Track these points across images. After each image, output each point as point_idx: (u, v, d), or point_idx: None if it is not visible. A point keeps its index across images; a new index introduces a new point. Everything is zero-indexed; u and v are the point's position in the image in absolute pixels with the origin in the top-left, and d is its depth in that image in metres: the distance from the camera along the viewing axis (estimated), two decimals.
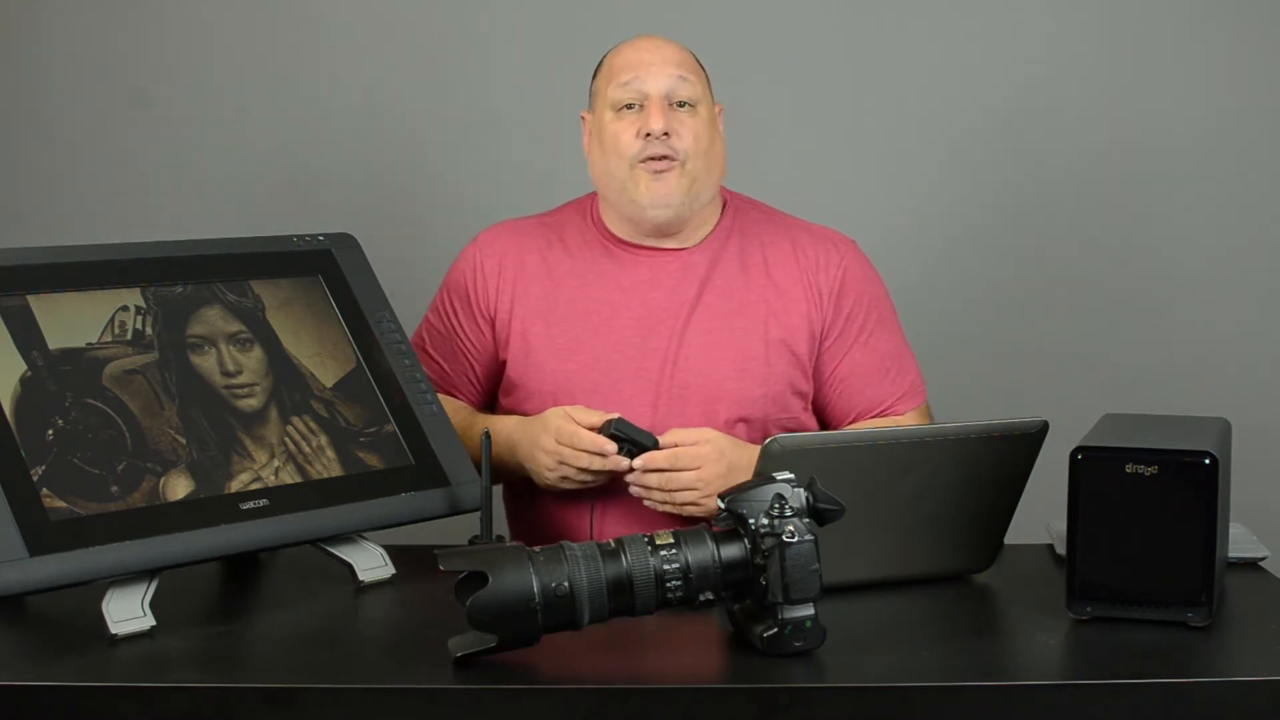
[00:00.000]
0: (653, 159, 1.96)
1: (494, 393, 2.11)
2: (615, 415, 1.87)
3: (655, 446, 1.87)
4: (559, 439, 1.89)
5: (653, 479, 1.87)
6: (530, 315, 2.04)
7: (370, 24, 2.91)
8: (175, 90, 2.91)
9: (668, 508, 1.89)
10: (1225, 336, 2.88)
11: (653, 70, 1.97)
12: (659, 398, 1.97)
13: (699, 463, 1.86)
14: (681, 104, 1.97)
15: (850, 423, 2.05)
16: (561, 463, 1.89)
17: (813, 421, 2.07)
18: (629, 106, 1.98)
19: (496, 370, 2.08)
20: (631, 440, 1.86)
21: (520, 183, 2.82)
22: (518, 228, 2.11)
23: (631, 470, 1.87)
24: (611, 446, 1.86)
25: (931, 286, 2.85)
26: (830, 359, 2.03)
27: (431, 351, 2.10)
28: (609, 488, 1.94)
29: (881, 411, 2.04)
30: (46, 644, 1.58)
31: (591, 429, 1.87)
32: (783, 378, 2.00)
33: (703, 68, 2.05)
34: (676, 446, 1.88)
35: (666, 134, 1.95)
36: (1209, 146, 2.88)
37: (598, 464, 1.87)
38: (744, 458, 1.87)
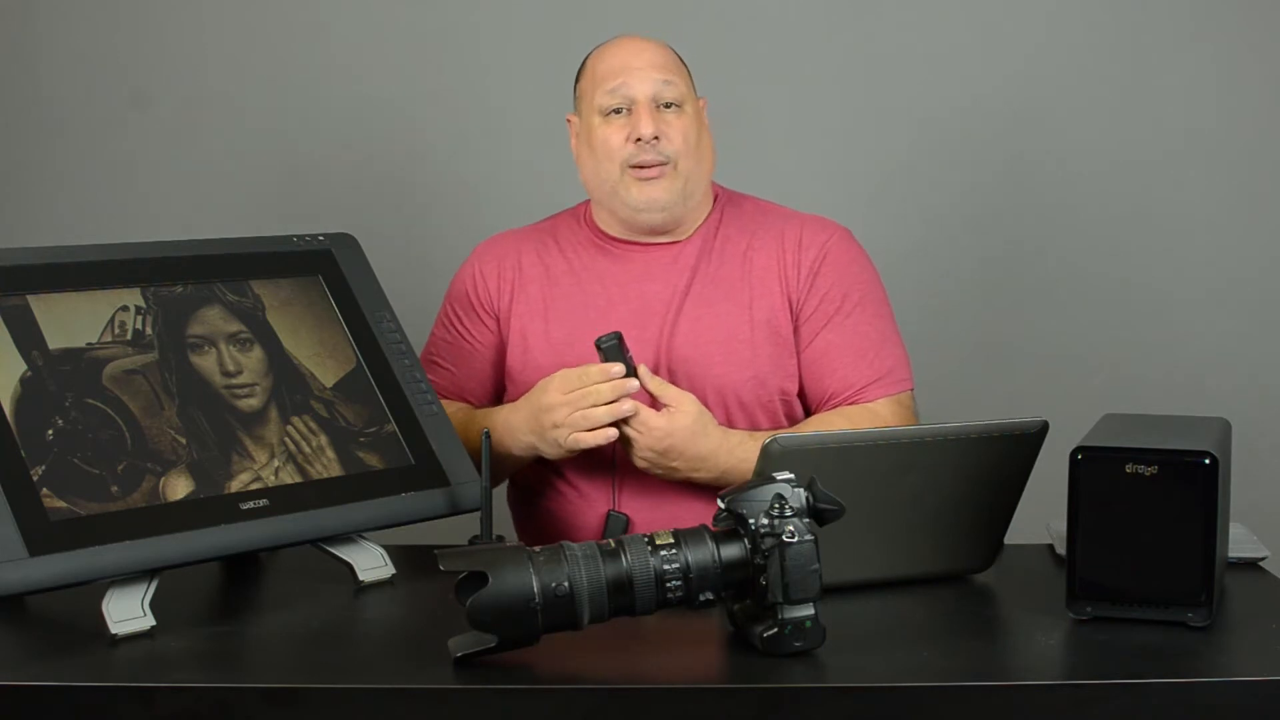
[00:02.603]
0: (642, 166, 1.99)
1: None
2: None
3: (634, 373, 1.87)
4: (564, 387, 1.87)
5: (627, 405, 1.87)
6: (529, 314, 2.06)
7: (370, 24, 2.91)
8: (175, 90, 2.91)
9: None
10: (1225, 336, 2.88)
11: (638, 74, 1.99)
12: None
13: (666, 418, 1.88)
14: (668, 105, 2.00)
15: (825, 405, 2.04)
16: (573, 412, 1.86)
17: (800, 410, 2.07)
18: (616, 111, 2.00)
19: (504, 368, 2.09)
20: (624, 360, 1.86)
21: (521, 182, 2.83)
22: (512, 235, 2.15)
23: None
24: (619, 368, 1.84)
25: (930, 285, 2.85)
26: (803, 337, 2.03)
27: (440, 360, 2.11)
28: (626, 473, 1.96)
29: (852, 396, 2.01)
30: (46, 644, 1.58)
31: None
32: (769, 359, 2.01)
33: (684, 64, 2.07)
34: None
35: (657, 137, 1.98)
36: (1210, 145, 2.88)
37: (607, 391, 1.85)
38: (700, 445, 1.89)
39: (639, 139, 1.97)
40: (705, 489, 1.93)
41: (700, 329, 2.01)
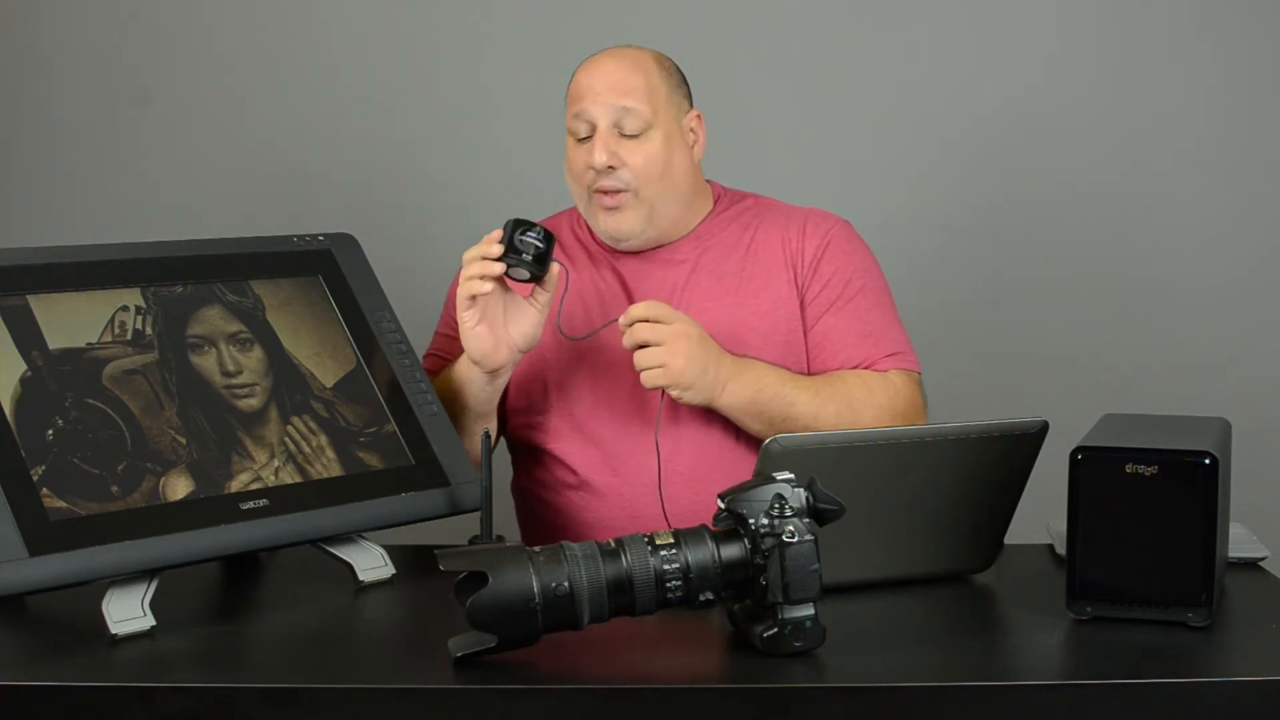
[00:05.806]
0: (603, 192, 1.98)
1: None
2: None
3: (543, 254, 1.84)
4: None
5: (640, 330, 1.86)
6: None
7: (371, 25, 2.91)
8: (175, 90, 2.91)
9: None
10: (1225, 337, 2.88)
11: (597, 100, 1.97)
12: None
13: (673, 319, 1.86)
14: (631, 133, 1.98)
15: None
16: (467, 279, 1.85)
17: None
18: (584, 135, 2.00)
19: None
20: (513, 242, 1.84)
21: (522, 182, 2.82)
22: None
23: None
24: (496, 248, 1.83)
25: (931, 285, 2.85)
26: (807, 322, 2.03)
27: (444, 355, 2.10)
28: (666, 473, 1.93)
29: (861, 367, 2.00)
30: (46, 644, 1.58)
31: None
32: (779, 347, 2.01)
33: (671, 76, 2.03)
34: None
35: (612, 166, 1.97)
36: (1210, 146, 2.88)
37: (479, 250, 1.84)
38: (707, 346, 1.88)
39: (593, 168, 1.97)
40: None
41: (705, 322, 2.00)
